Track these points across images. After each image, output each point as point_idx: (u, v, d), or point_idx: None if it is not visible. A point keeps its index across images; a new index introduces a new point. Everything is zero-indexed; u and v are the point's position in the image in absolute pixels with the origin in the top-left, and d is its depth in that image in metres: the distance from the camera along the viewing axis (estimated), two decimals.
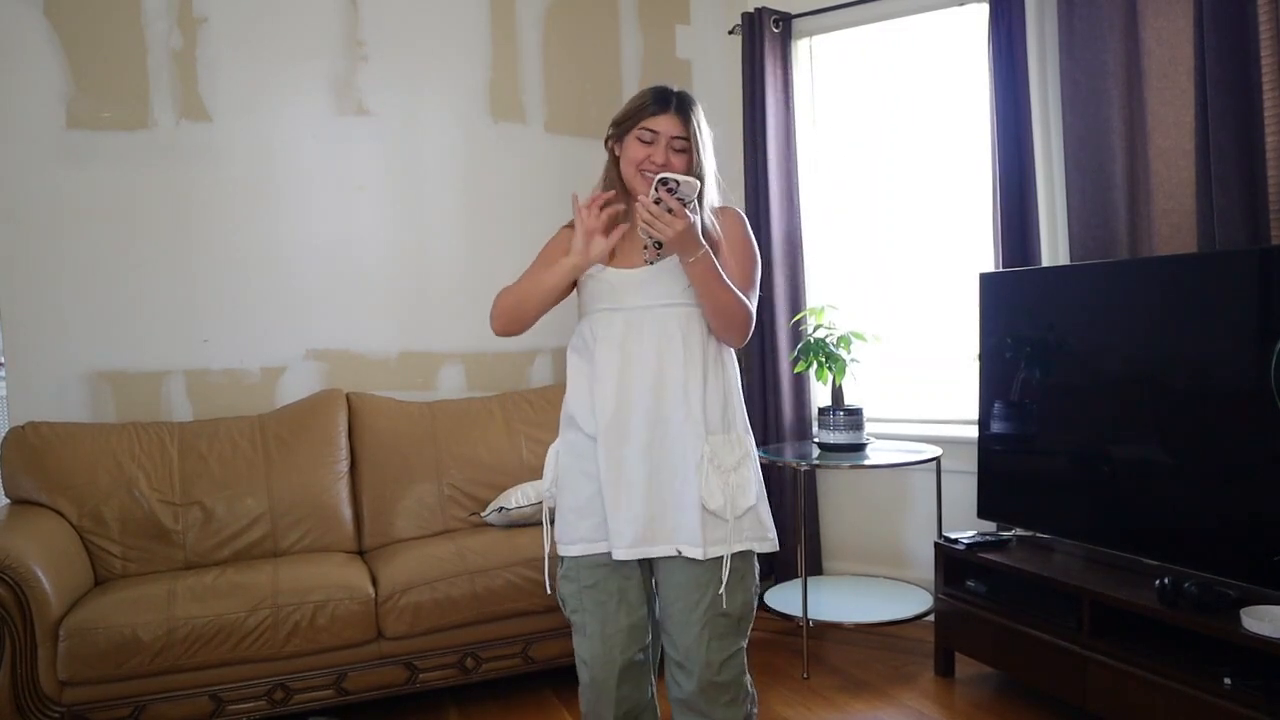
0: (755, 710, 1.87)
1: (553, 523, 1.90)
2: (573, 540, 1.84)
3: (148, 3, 3.09)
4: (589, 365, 1.83)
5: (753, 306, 1.84)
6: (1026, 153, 3.02)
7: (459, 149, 3.52)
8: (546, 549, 1.91)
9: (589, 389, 1.83)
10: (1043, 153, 3.13)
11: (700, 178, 1.75)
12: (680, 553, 1.77)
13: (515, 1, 3.59)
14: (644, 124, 1.79)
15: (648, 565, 1.86)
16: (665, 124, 1.78)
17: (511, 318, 1.87)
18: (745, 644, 1.83)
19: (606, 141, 1.87)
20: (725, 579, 1.76)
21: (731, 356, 1.88)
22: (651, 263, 1.78)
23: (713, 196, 1.84)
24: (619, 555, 1.78)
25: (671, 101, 1.80)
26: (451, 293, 3.51)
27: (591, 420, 1.81)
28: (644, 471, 1.77)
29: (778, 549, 1.84)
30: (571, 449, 1.87)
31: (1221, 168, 2.46)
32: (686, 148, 1.79)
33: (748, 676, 1.84)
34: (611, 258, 1.83)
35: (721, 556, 1.76)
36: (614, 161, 1.86)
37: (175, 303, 3.15)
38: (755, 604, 1.85)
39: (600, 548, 1.81)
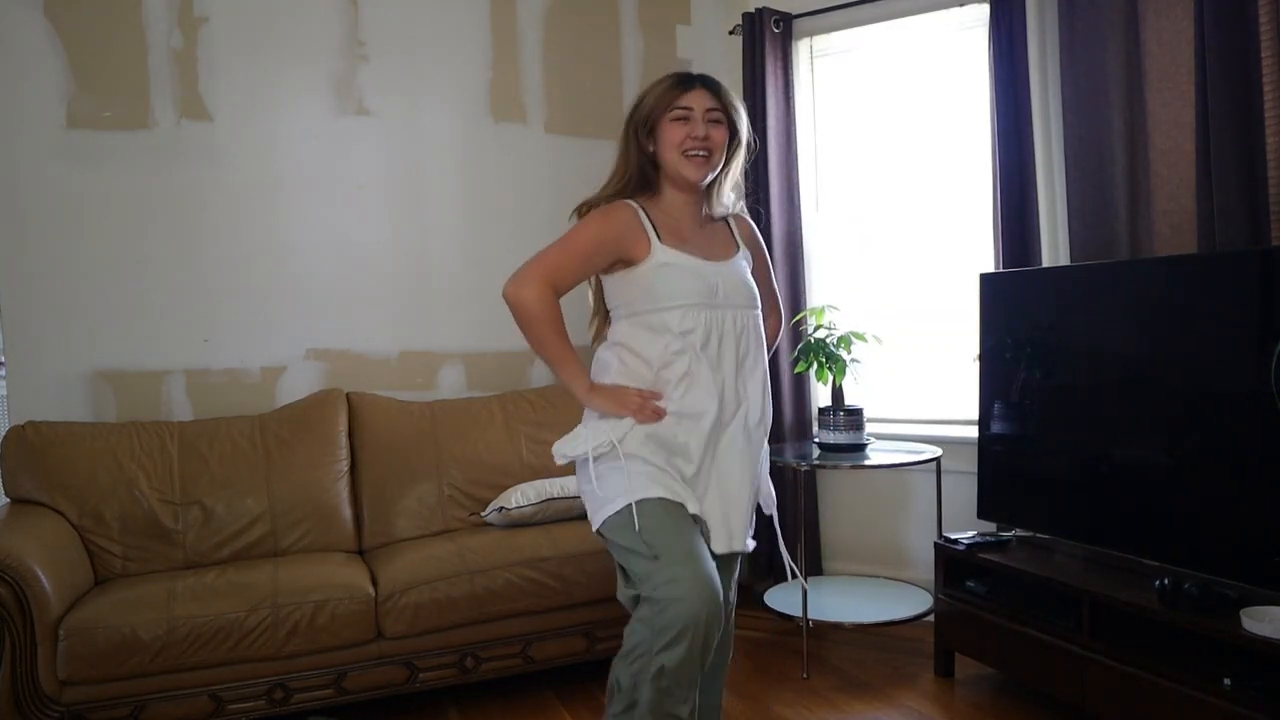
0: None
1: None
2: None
3: (148, 3, 3.09)
4: (701, 365, 1.78)
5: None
6: (1027, 153, 3.02)
7: (459, 149, 3.52)
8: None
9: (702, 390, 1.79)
10: (1043, 153, 3.13)
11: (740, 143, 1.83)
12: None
13: (515, 2, 3.59)
14: (677, 104, 1.78)
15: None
16: (697, 99, 1.79)
17: (518, 318, 1.78)
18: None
19: (627, 140, 1.83)
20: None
21: None
22: None
23: (731, 196, 1.91)
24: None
25: (695, 79, 1.81)
26: (452, 292, 3.51)
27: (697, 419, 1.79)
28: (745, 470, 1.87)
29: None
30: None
31: (1221, 168, 2.46)
32: (722, 119, 1.80)
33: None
34: (682, 243, 1.80)
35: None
36: (643, 157, 1.82)
37: (176, 302, 3.15)
38: None
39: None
